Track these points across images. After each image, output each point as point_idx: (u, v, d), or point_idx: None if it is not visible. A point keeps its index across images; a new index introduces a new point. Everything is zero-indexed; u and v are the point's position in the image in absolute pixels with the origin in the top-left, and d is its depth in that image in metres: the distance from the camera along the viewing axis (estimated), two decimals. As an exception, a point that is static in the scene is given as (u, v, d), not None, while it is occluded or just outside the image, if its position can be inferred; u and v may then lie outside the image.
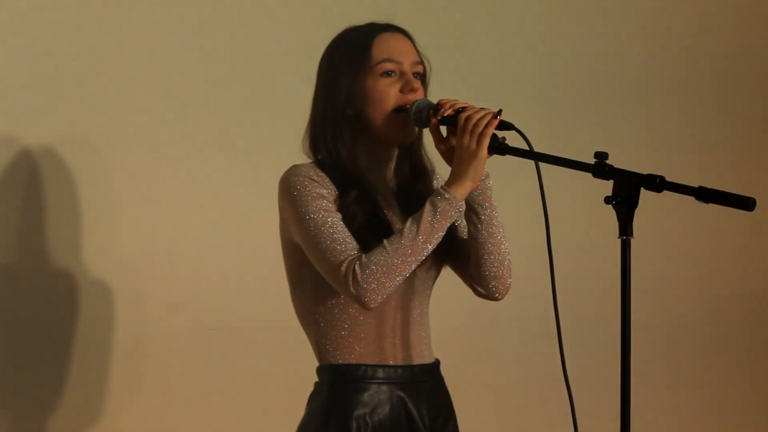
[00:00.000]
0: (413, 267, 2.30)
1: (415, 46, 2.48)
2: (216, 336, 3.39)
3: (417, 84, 2.43)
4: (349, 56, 2.44)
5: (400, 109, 2.41)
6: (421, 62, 2.47)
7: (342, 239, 2.32)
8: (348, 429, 2.37)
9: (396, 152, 2.50)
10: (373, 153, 2.46)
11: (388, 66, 2.42)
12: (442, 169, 2.49)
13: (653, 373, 4.08)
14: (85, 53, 3.23)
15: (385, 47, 2.43)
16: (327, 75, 2.47)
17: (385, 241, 2.29)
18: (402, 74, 2.43)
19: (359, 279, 2.27)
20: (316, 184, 2.36)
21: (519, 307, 3.61)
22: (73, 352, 3.20)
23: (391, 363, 2.42)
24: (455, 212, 2.32)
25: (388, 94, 2.41)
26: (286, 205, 2.39)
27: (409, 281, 2.43)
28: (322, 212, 2.33)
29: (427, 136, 2.47)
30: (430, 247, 2.31)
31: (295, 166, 2.40)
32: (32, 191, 3.15)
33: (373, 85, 2.42)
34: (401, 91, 2.42)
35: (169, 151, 3.35)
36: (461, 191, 2.32)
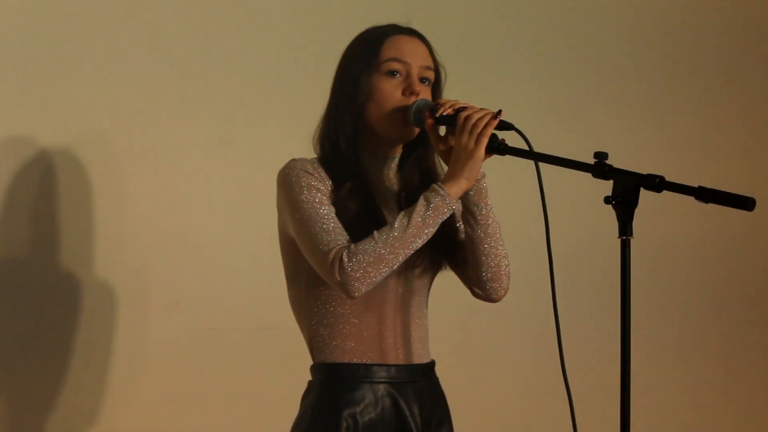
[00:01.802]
0: (401, 260, 2.30)
1: (431, 51, 2.48)
2: (216, 336, 3.39)
3: (420, 88, 2.43)
4: (360, 53, 2.46)
5: (401, 109, 2.42)
6: (433, 68, 2.47)
7: (332, 229, 2.32)
8: (337, 427, 2.37)
9: (399, 152, 2.50)
10: (374, 150, 2.47)
11: (395, 65, 2.43)
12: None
13: (653, 373, 4.08)
14: (98, 55, 3.23)
15: (395, 47, 2.44)
16: (339, 70, 2.49)
17: (375, 232, 2.29)
18: (407, 76, 2.43)
19: (345, 266, 2.27)
20: (310, 176, 2.37)
21: (518, 307, 3.60)
22: (74, 351, 3.20)
23: (385, 362, 2.42)
24: (448, 209, 2.32)
25: (391, 94, 2.42)
26: (281, 197, 2.41)
27: (406, 280, 2.44)
28: (315, 203, 2.34)
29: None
30: (420, 242, 2.31)
31: (292, 160, 2.41)
32: (44, 192, 3.16)
33: (377, 83, 2.42)
34: (403, 93, 2.42)
35: (171, 151, 3.35)
36: (456, 189, 2.32)
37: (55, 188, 3.17)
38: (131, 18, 3.29)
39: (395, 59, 2.43)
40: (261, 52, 3.50)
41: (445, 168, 2.45)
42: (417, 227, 2.29)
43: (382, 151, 2.48)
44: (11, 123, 3.12)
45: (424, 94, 2.44)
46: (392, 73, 2.43)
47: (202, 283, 3.38)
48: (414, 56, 2.45)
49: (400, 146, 2.50)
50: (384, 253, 2.28)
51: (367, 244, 2.28)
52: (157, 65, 3.32)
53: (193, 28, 3.39)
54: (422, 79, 2.44)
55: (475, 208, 2.42)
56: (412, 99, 2.42)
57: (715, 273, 4.33)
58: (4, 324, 3.14)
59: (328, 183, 2.39)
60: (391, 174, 2.50)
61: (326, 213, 2.34)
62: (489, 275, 2.46)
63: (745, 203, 2.06)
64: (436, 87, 2.49)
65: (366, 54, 2.44)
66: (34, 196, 3.16)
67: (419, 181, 2.50)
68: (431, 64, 2.47)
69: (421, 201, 2.31)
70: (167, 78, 3.34)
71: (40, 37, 3.16)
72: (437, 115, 2.39)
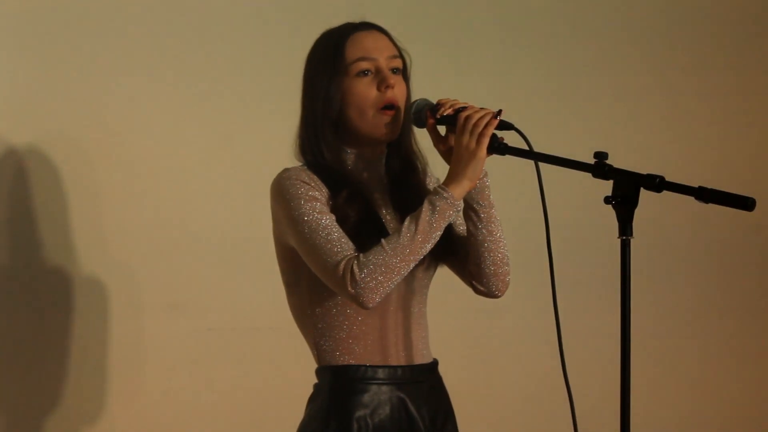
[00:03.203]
0: (411, 266, 2.30)
1: (391, 40, 2.46)
2: (215, 336, 3.39)
3: (394, 80, 2.41)
4: (324, 59, 2.43)
5: (389, 107, 2.40)
6: (399, 56, 2.46)
7: (338, 239, 2.31)
8: (349, 430, 2.36)
9: (384, 150, 2.49)
10: (360, 153, 2.46)
11: (363, 65, 2.41)
12: (441, 169, 2.48)
13: (653, 373, 4.08)
14: (75, 51, 3.22)
15: (358, 46, 2.42)
16: (307, 79, 2.47)
17: (383, 241, 2.28)
18: (378, 71, 2.42)
19: (357, 278, 2.26)
20: (308, 186, 2.35)
21: (519, 307, 3.61)
22: (71, 353, 3.19)
23: (391, 363, 2.42)
24: (453, 211, 2.31)
25: (366, 94, 2.40)
26: (278, 208, 2.38)
27: (408, 281, 2.43)
28: (316, 214, 2.33)
29: (420, 132, 2.46)
30: (429, 246, 2.30)
31: (286, 170, 2.39)
32: (20, 191, 3.15)
33: (350, 87, 2.41)
34: (378, 89, 2.41)
35: (166, 150, 3.35)
36: (459, 190, 2.32)
37: (34, 189, 3.16)
38: (119, 14, 3.29)
39: (362, 58, 2.41)
40: (255, 51, 3.50)
41: (425, 151, 2.46)
42: (424, 232, 2.29)
43: (368, 153, 2.47)
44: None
45: (398, 84, 2.42)
46: (363, 73, 2.42)
47: (202, 283, 3.38)
48: (379, 50, 2.43)
49: (384, 145, 2.49)
50: (395, 261, 2.27)
51: (377, 254, 2.27)
52: (141, 61, 3.32)
53: (180, 24, 3.39)
54: (392, 70, 2.43)
55: (478, 206, 2.42)
56: (389, 93, 2.40)
57: (714, 273, 4.33)
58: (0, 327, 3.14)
59: (325, 190, 2.37)
60: (381, 173, 2.49)
61: (329, 223, 2.33)
62: (491, 271, 2.46)
63: (745, 203, 2.06)
64: (405, 72, 2.47)
65: (330, 59, 2.42)
66: (11, 197, 3.14)
67: (400, 170, 2.49)
68: (396, 53, 2.45)
69: (426, 205, 2.30)
70: (155, 73, 3.33)
71: (26, 34, 3.16)
72: (437, 115, 2.38)
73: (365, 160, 2.46)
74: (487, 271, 2.46)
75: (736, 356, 4.37)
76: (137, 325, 3.29)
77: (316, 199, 2.35)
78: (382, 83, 2.40)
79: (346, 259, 2.28)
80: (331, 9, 3.53)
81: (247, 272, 3.41)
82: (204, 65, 3.41)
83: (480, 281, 2.48)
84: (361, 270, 2.26)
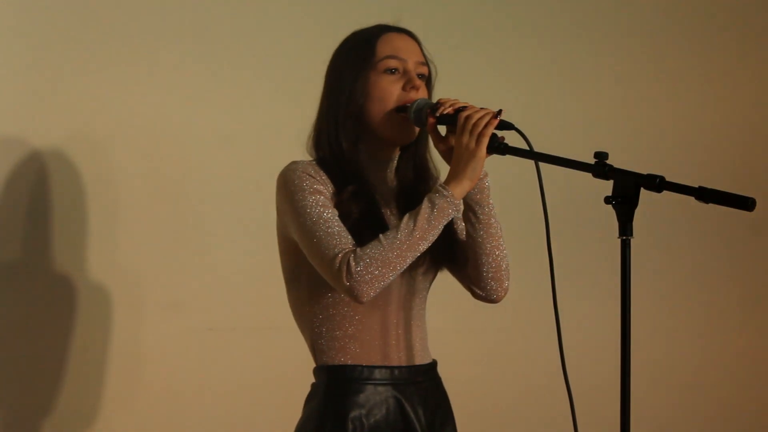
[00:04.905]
0: (408, 263, 2.30)
1: (421, 48, 2.48)
2: (215, 336, 3.39)
3: (419, 83, 2.43)
4: (354, 53, 2.45)
5: (401, 109, 2.41)
6: (426, 64, 2.47)
7: (337, 233, 2.31)
8: (344, 430, 2.36)
9: (397, 153, 2.50)
10: (374, 151, 2.46)
11: (392, 63, 2.42)
12: (443, 170, 2.49)
13: (653, 373, 4.08)
14: (90, 54, 3.23)
15: (390, 45, 2.44)
16: (333, 73, 2.48)
17: (380, 236, 2.29)
18: (405, 72, 2.43)
19: (353, 271, 2.26)
20: (313, 180, 2.36)
21: (519, 308, 3.60)
22: (72, 352, 3.20)
23: (388, 364, 2.42)
24: (452, 210, 2.32)
25: (390, 91, 2.42)
26: (283, 200, 2.39)
27: (408, 282, 2.43)
28: (319, 207, 2.33)
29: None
30: (426, 244, 2.31)
31: (293, 162, 2.40)
32: (37, 192, 3.16)
33: (376, 82, 2.42)
34: (403, 88, 2.42)
35: (170, 150, 3.35)
36: (459, 189, 2.32)
37: (47, 189, 3.17)
38: (133, 17, 3.29)
39: (392, 56, 2.43)
40: (265, 51, 3.50)
41: (437, 163, 2.46)
42: (423, 230, 2.29)
43: (382, 153, 2.48)
44: (2, 124, 3.12)
45: (422, 89, 2.43)
46: (390, 71, 2.43)
47: (202, 283, 3.38)
48: (409, 53, 2.44)
49: (398, 148, 2.50)
50: (391, 256, 2.27)
51: (374, 248, 2.27)
52: (156, 64, 3.32)
53: (195, 25, 3.39)
54: (419, 75, 2.44)
55: (478, 207, 2.42)
56: (413, 93, 2.41)
57: (715, 273, 4.33)
58: (4, 325, 3.14)
59: (330, 186, 2.38)
60: (391, 175, 2.50)
61: (330, 216, 2.33)
62: (490, 275, 2.46)
63: (745, 203, 2.06)
64: (429, 82, 2.49)
65: (360, 54, 2.43)
66: (27, 198, 3.15)
67: (413, 178, 2.50)
68: (424, 60, 2.47)
69: (426, 203, 2.31)
70: (168, 77, 3.34)
71: (34, 35, 3.16)
72: (437, 114, 2.38)
73: (377, 160, 2.47)
74: (485, 275, 2.46)
75: (736, 356, 4.37)
76: (137, 324, 3.29)
77: (320, 193, 2.35)
78: (408, 83, 2.42)
79: (343, 252, 2.29)
80: (337, 6, 3.55)
81: (247, 272, 3.41)
82: (216, 66, 3.42)
83: (478, 285, 2.48)
84: (357, 263, 2.26)
